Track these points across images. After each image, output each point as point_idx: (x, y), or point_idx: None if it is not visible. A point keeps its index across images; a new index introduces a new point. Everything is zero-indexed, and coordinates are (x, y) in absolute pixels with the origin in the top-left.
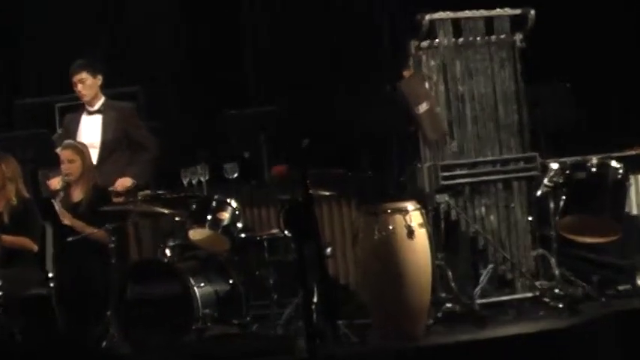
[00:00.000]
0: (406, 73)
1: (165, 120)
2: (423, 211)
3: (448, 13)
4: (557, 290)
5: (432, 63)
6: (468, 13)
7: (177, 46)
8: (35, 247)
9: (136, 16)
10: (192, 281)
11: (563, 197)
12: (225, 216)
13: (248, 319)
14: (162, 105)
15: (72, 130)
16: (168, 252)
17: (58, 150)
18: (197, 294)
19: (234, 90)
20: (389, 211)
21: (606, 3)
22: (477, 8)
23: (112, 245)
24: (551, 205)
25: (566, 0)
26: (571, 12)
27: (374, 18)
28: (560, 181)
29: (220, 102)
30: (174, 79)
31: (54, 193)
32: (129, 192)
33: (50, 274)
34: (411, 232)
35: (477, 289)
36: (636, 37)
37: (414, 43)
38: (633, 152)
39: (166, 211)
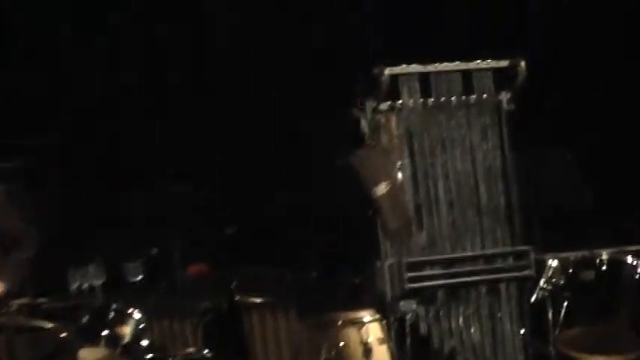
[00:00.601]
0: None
1: (49, 206)
2: (384, 322)
3: (415, 65)
4: None
5: (394, 130)
6: (439, 67)
7: (71, 104)
8: None
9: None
10: None
11: (565, 304)
12: (126, 331)
13: None
14: (47, 186)
15: None
16: None
17: None
18: None
19: (137, 165)
20: (340, 322)
21: (618, 49)
22: (452, 60)
23: None
24: (550, 314)
25: (568, 44)
26: (574, 60)
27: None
28: (561, 282)
29: (121, 180)
30: (64, 152)
31: None
32: None
33: None
34: (368, 350)
35: None
36: None
37: (370, 105)
38: None
39: (49, 326)
